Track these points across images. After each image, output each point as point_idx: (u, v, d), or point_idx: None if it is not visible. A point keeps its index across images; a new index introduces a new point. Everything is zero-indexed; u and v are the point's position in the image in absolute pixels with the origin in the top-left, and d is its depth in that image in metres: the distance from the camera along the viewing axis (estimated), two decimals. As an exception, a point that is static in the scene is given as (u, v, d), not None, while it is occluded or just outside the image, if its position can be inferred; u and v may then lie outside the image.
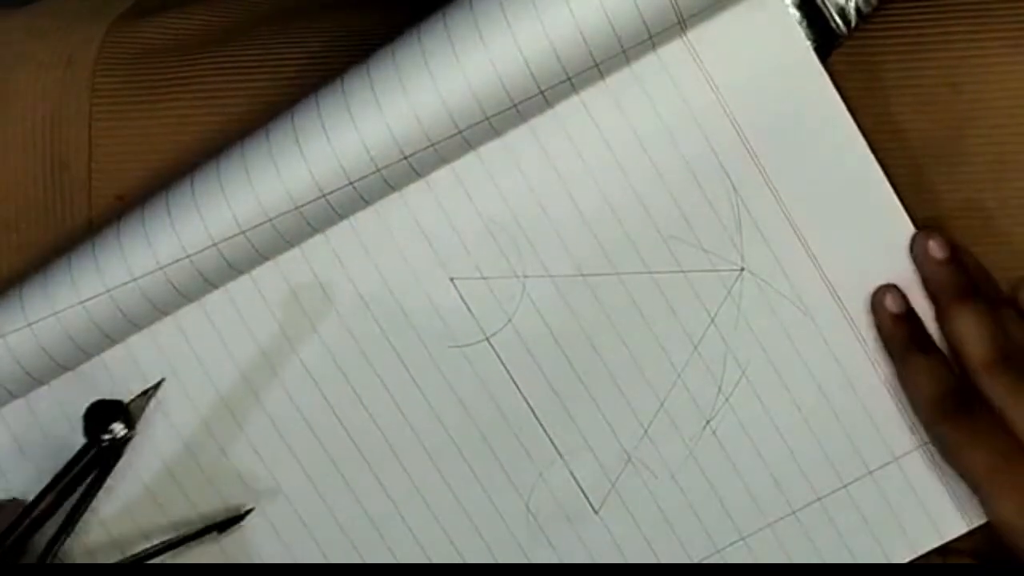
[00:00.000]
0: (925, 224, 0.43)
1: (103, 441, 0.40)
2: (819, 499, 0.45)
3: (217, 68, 0.47)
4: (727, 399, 0.45)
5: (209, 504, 0.46)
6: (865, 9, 0.43)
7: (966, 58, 0.43)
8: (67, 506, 0.41)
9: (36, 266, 0.45)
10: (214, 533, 0.44)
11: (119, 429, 0.41)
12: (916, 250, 0.43)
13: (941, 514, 0.44)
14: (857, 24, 0.43)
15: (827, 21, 0.43)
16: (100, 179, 0.47)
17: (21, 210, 0.48)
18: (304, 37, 0.48)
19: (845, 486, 0.45)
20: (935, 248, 0.42)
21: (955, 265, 0.42)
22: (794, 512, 0.45)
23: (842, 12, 0.43)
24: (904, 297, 0.43)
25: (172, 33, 0.49)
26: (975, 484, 0.41)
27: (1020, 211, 0.44)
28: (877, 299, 0.43)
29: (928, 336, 0.43)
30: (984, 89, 0.43)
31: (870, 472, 0.45)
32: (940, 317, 0.43)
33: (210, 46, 0.48)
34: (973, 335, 0.41)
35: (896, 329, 0.43)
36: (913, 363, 0.42)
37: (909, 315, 0.43)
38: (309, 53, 0.47)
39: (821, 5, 0.43)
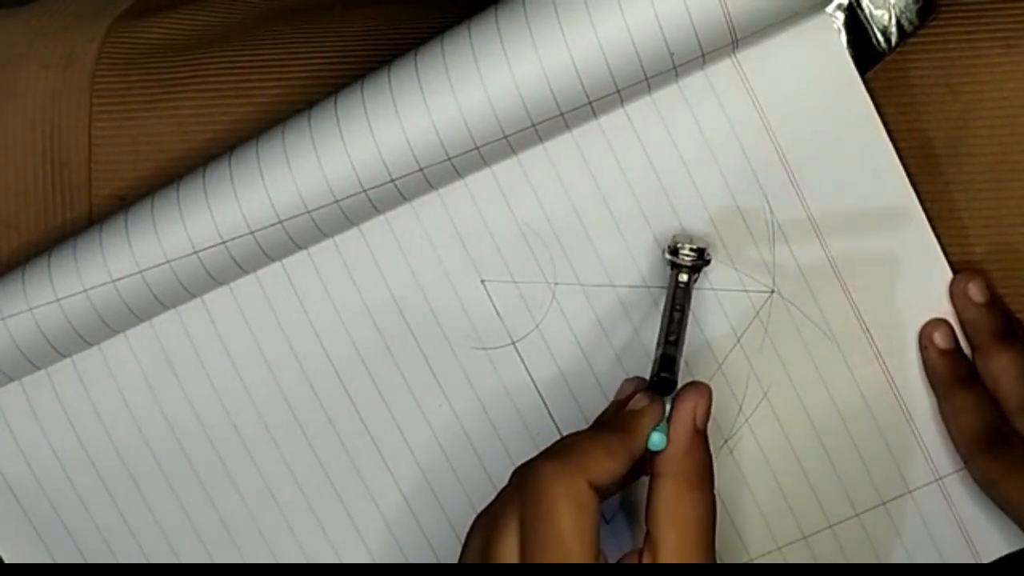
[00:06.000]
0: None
1: (684, 266, 0.42)
2: (831, 526, 0.45)
3: (218, 68, 0.47)
4: (747, 419, 0.45)
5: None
6: (908, 28, 0.43)
7: (963, 59, 0.44)
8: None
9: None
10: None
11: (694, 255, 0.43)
12: (955, 291, 0.43)
13: (946, 550, 0.45)
14: (898, 43, 0.43)
15: (870, 39, 0.43)
16: (100, 179, 0.47)
17: (21, 210, 0.48)
18: (307, 38, 0.48)
19: (858, 515, 0.45)
20: (975, 291, 0.43)
21: (993, 308, 0.43)
22: (805, 537, 0.45)
23: (885, 31, 0.43)
24: (953, 333, 0.43)
25: (172, 33, 0.49)
26: (1014, 515, 0.42)
27: (1019, 211, 0.44)
28: (926, 333, 0.44)
29: (972, 372, 0.43)
30: (981, 90, 0.44)
31: (883, 503, 0.45)
32: (977, 358, 0.43)
33: (211, 46, 0.48)
34: (1010, 377, 0.42)
35: (942, 364, 0.43)
36: (957, 398, 0.43)
37: (956, 351, 0.43)
38: (312, 54, 0.47)
39: (865, 23, 0.43)
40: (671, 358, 0.40)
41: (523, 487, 0.36)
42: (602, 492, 0.36)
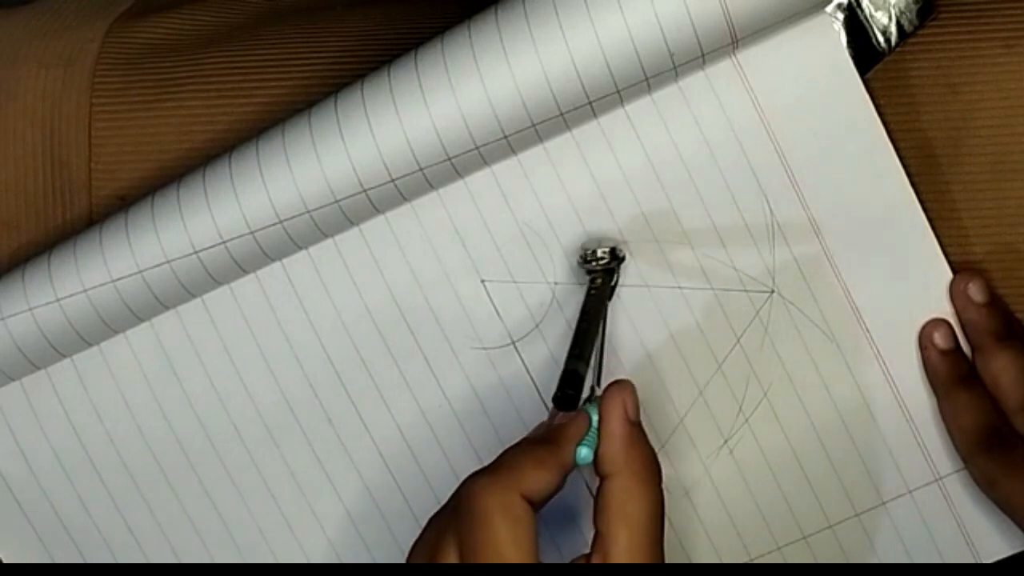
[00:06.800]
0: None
1: (598, 270, 0.43)
2: (831, 526, 0.45)
3: (218, 68, 0.47)
4: (747, 420, 0.45)
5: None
6: (908, 28, 0.43)
7: (963, 59, 0.44)
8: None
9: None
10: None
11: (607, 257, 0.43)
12: (955, 292, 0.43)
13: (946, 550, 0.45)
14: (898, 43, 0.43)
15: (870, 39, 0.43)
16: (100, 179, 0.47)
17: (21, 210, 0.48)
18: (307, 38, 0.48)
19: (858, 515, 0.45)
20: (975, 291, 0.43)
21: (993, 308, 0.43)
22: (805, 537, 0.45)
23: (885, 31, 0.43)
24: (953, 333, 0.43)
25: (172, 33, 0.49)
26: (1014, 515, 0.42)
27: (1019, 211, 0.44)
28: (926, 333, 0.44)
29: (972, 372, 0.43)
30: (981, 90, 0.44)
31: (883, 503, 0.45)
32: (977, 358, 0.43)
33: (211, 46, 0.48)
34: (1010, 377, 0.42)
35: (942, 364, 0.43)
36: (956, 398, 0.43)
37: (956, 351, 0.43)
38: (312, 54, 0.47)
39: (865, 23, 0.43)
40: (574, 372, 0.39)
41: (457, 506, 0.36)
42: (536, 503, 0.36)
